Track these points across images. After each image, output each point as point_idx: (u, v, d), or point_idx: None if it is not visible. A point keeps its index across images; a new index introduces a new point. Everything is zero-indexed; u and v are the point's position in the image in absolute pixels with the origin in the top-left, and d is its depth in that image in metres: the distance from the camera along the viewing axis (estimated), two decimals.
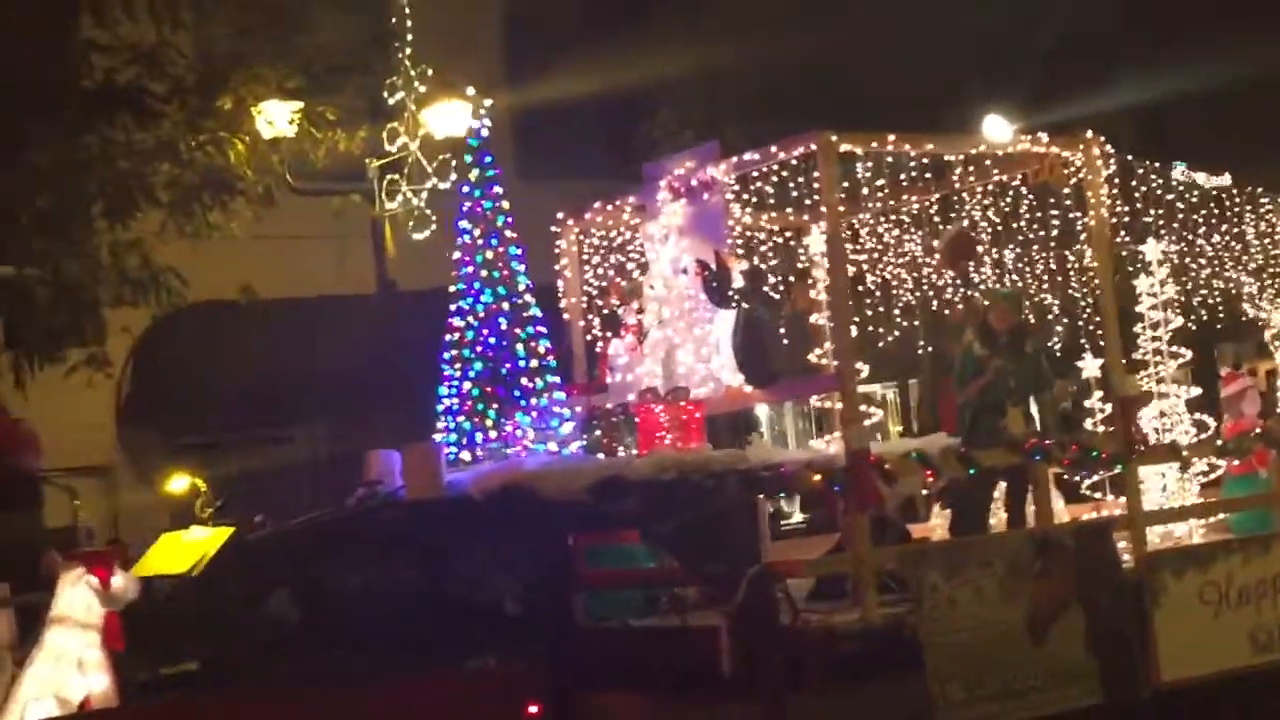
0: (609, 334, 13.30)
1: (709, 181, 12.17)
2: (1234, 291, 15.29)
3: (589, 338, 13.62)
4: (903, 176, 12.67)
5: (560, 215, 13.86)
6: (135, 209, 15.90)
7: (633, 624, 10.93)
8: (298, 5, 17.11)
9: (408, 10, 15.87)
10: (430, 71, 15.22)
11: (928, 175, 12.80)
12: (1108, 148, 12.65)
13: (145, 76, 16.23)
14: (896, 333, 14.25)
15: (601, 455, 11.17)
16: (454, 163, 14.28)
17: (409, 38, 15.36)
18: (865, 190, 12.49)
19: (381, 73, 16.09)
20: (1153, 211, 13.69)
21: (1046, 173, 12.55)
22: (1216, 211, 14.37)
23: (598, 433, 11.17)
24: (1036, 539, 11.42)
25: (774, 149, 11.55)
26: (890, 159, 12.27)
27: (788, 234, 13.79)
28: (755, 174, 12.11)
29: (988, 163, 12.98)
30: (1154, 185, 13.73)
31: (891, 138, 11.56)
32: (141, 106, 16.04)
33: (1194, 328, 14.80)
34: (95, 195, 15.65)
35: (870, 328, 13.86)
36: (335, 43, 17.55)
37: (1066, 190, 12.84)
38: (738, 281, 12.18)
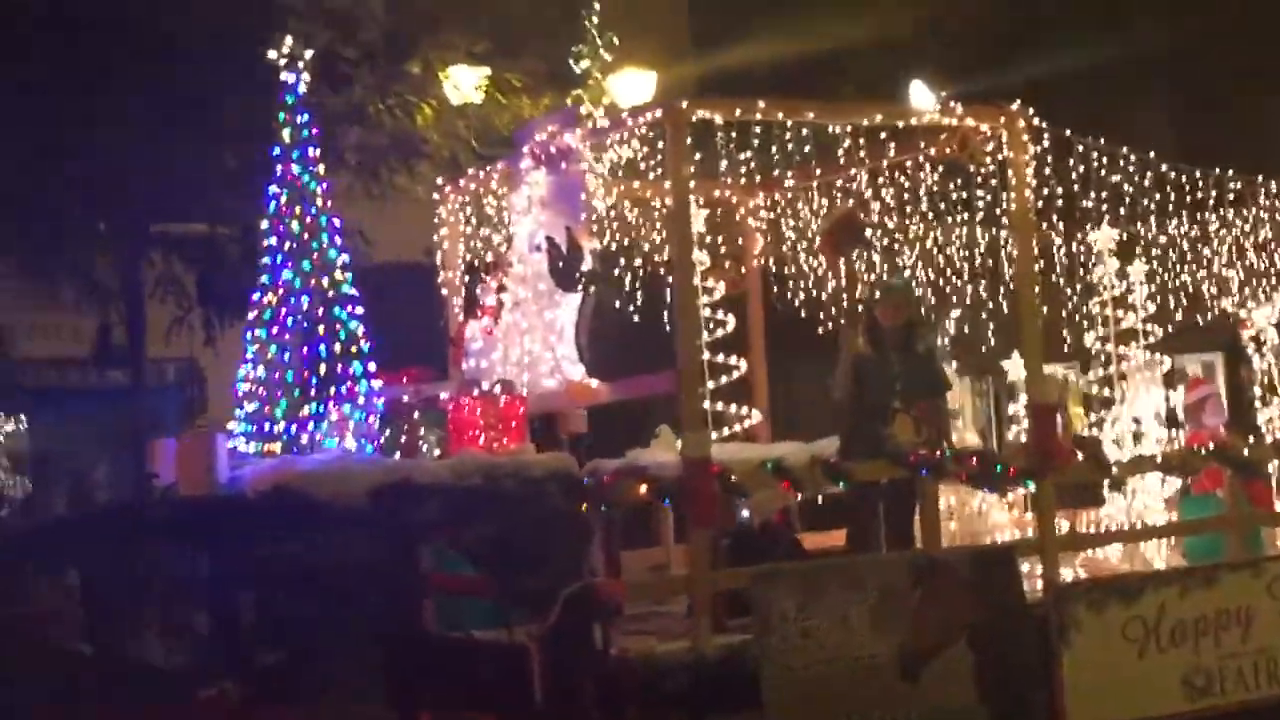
0: (468, 315, 12.18)
1: (566, 149, 11.01)
2: (1206, 287, 13.93)
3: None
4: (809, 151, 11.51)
5: (439, 181, 13.17)
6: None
7: (476, 636, 9.79)
8: None
9: None
10: (616, 40, 14.88)
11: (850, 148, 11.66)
12: (1036, 120, 11.31)
13: (338, 41, 16.65)
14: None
15: (398, 455, 9.98)
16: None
17: (596, 5, 15.00)
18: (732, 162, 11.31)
19: (567, 39, 15.67)
20: (1093, 194, 12.31)
21: (960, 148, 11.26)
22: (1174, 197, 12.95)
23: (391, 430, 9.95)
24: (918, 563, 10.13)
25: (625, 116, 10.43)
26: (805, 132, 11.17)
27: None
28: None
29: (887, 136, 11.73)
30: (1097, 165, 12.34)
31: (761, 104, 10.35)
32: (333, 70, 16.36)
33: (1149, 325, 13.46)
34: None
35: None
36: (522, 8, 18.03)
37: (985, 169, 11.53)
38: (588, 263, 10.96)
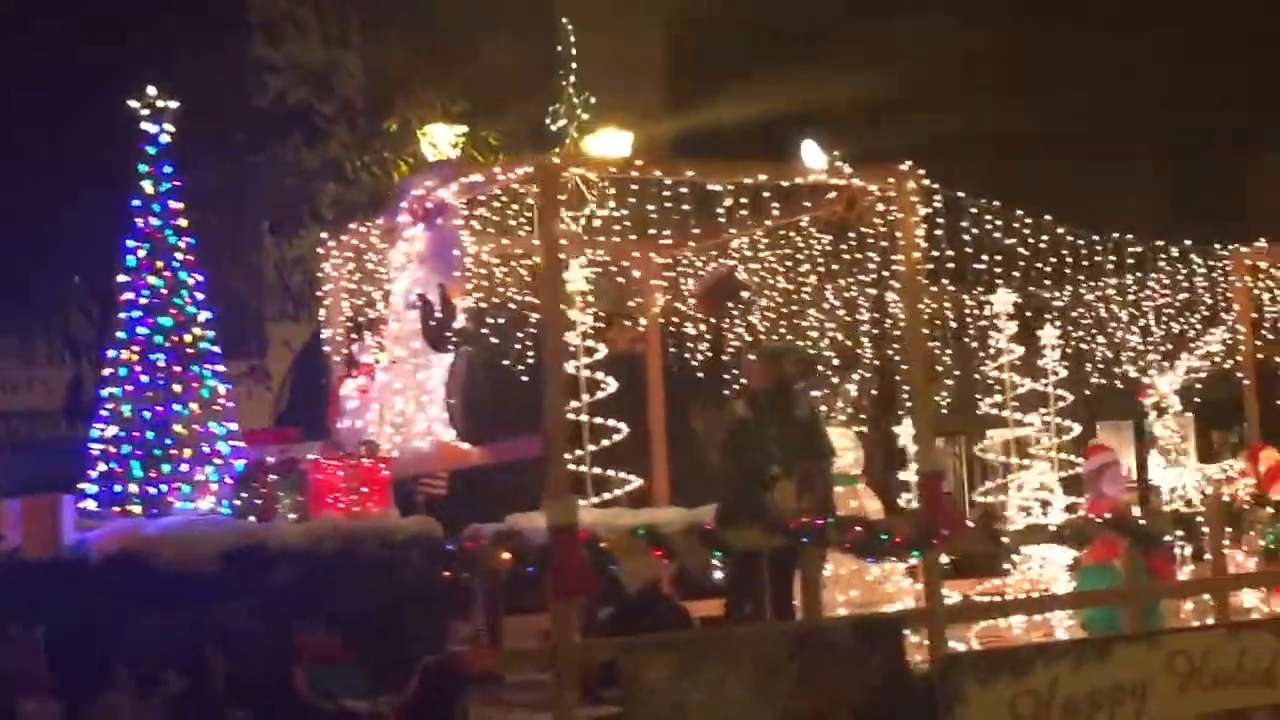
0: (345, 374, 11.90)
1: (442, 205, 10.78)
2: (1105, 353, 13.81)
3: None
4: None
5: (324, 236, 12.95)
6: (300, 226, 17.01)
7: (348, 704, 9.42)
8: (464, 30, 18.03)
9: (573, 39, 16.52)
10: (593, 99, 15.75)
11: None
12: (925, 181, 11.15)
13: (315, 97, 17.37)
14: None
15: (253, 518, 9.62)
16: (612, 190, 13.93)
17: (573, 65, 15.99)
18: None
19: (544, 100, 16.69)
20: (985, 258, 12.16)
21: (847, 208, 11.08)
22: (1070, 261, 12.81)
23: (246, 493, 9.61)
24: (797, 635, 9.87)
25: (496, 171, 10.22)
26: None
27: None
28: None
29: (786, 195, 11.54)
30: (991, 227, 12.20)
31: (638, 163, 10.27)
32: (311, 126, 17.12)
33: (1058, 391, 13.32)
34: (262, 212, 16.84)
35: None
36: (500, 68, 18.18)
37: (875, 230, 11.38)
38: (460, 321, 10.69)
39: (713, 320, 12.15)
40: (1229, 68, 23.98)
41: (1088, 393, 14.85)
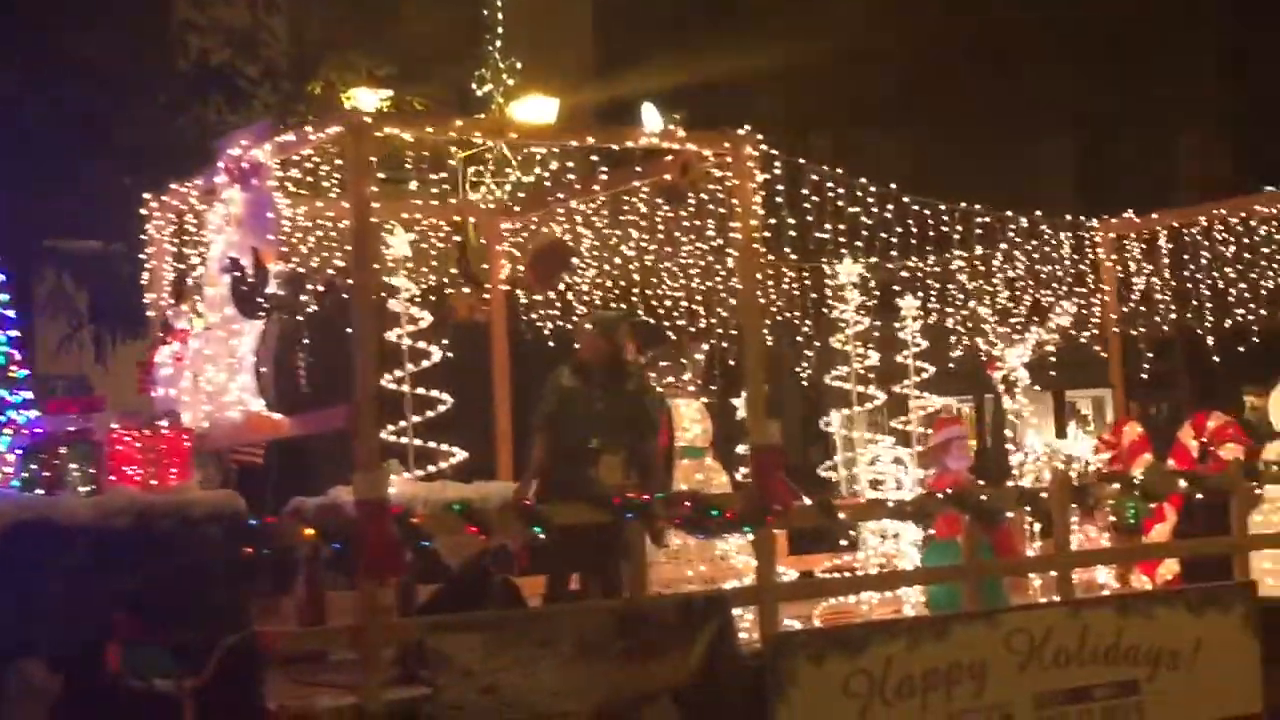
0: (160, 340, 11.53)
1: (257, 165, 10.41)
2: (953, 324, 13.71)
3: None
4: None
5: (147, 196, 12.46)
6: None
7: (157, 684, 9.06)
8: None
9: (499, 3, 16.51)
10: (519, 65, 15.76)
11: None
12: (763, 147, 10.94)
13: (239, 59, 17.26)
14: None
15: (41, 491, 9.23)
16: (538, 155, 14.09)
17: (499, 31, 15.92)
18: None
19: (471, 65, 16.72)
20: (828, 226, 11.97)
21: (681, 174, 10.83)
22: (916, 230, 12.68)
23: (35, 465, 9.21)
24: (619, 614, 9.64)
25: (308, 129, 9.91)
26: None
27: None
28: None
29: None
30: (835, 195, 12.03)
31: (458, 123, 9.94)
32: (234, 88, 17.05)
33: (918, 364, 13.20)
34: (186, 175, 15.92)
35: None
36: (426, 33, 18.48)
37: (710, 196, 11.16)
38: (272, 287, 10.35)
39: (540, 290, 11.88)
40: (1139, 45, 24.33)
41: (952, 366, 14.79)
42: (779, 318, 13.76)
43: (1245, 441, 15.35)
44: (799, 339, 14.06)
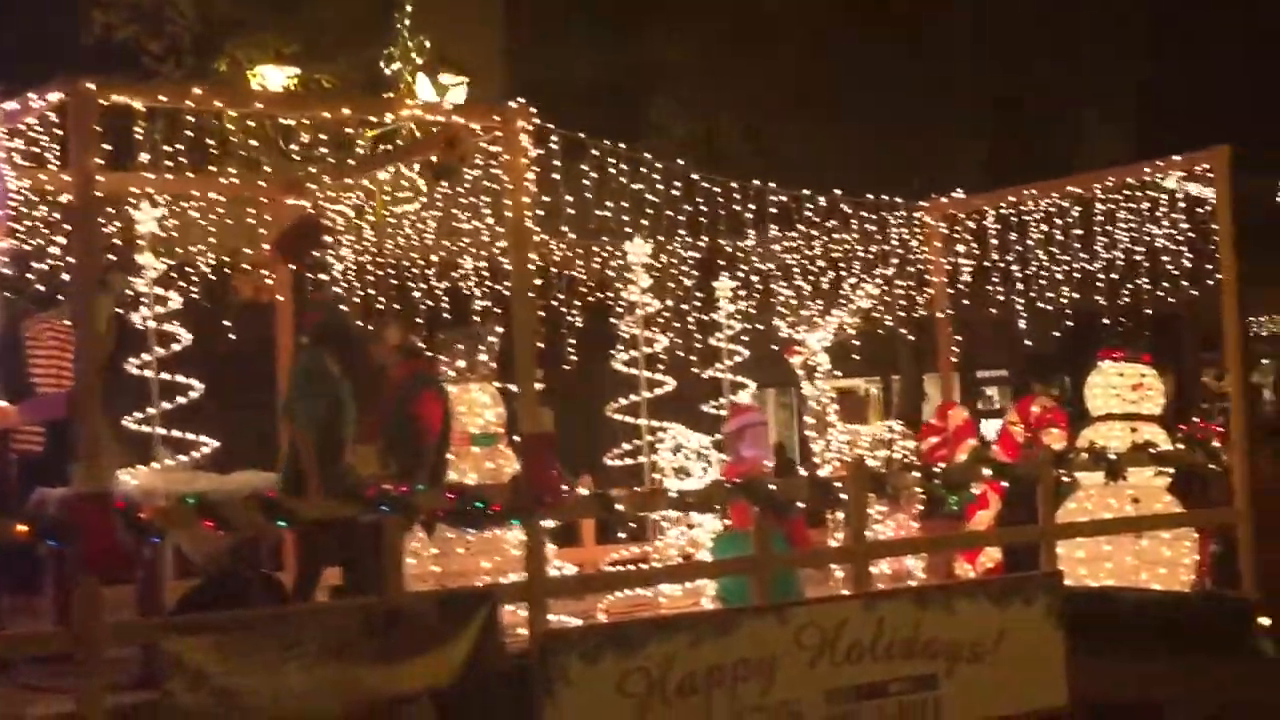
0: None
1: None
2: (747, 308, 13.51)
3: None
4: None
5: None
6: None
7: None
8: None
9: None
10: (428, 44, 15.31)
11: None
12: (537, 120, 10.62)
13: (144, 35, 17.28)
14: None
15: None
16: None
17: (408, 9, 15.49)
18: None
19: (379, 44, 16.28)
20: (611, 204, 11.69)
21: (448, 149, 10.49)
22: (706, 208, 12.43)
23: None
24: (373, 613, 9.27)
25: (31, 97, 9.42)
26: None
27: None
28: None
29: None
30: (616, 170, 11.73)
31: (196, 91, 9.46)
32: (138, 65, 17.22)
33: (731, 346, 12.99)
34: None
35: None
36: (335, 10, 18.42)
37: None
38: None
39: (290, 266, 11.47)
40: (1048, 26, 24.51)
41: (775, 347, 14.62)
42: (557, 300, 13.44)
43: (1066, 427, 15.34)
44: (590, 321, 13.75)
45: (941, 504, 15.28)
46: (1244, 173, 14.21)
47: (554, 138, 11.38)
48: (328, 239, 11.65)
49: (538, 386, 10.35)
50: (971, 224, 15.64)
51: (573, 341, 13.43)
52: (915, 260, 15.76)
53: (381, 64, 15.68)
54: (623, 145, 11.53)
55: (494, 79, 19.20)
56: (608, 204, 11.72)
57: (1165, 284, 14.77)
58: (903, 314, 15.92)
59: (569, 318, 13.57)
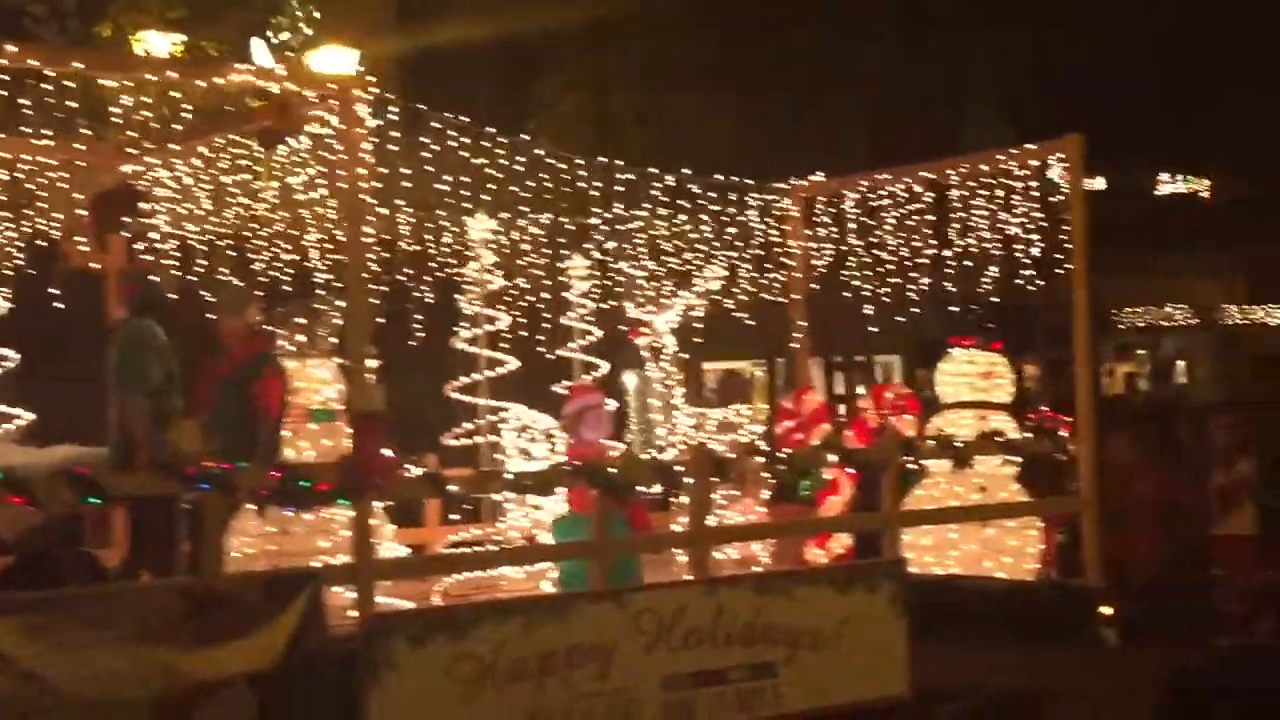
0: None
1: None
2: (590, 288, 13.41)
3: None
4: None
5: None
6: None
7: None
8: None
9: None
10: (317, 14, 15.41)
11: None
12: (375, 90, 10.42)
13: None
14: None
15: None
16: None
17: None
18: None
19: (267, 11, 16.36)
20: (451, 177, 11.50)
21: (279, 118, 10.25)
22: (550, 185, 12.28)
23: None
24: (193, 594, 9.02)
25: None
26: None
27: None
28: None
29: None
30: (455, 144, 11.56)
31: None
32: (19, 28, 16.84)
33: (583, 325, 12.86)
34: None
35: None
36: None
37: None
38: None
39: (101, 233, 11.20)
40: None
41: (623, 327, 14.53)
42: (405, 275, 13.24)
43: (918, 413, 15.38)
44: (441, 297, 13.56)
45: (792, 489, 15.28)
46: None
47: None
48: (144, 206, 11.36)
49: (373, 363, 10.16)
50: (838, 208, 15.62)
51: (419, 318, 13.19)
52: (775, 243, 15.73)
53: (269, 32, 15.55)
54: (492, 129, 11.36)
55: (385, 52, 18.89)
56: (446, 179, 11.52)
57: (1029, 273, 14.78)
58: (753, 298, 15.85)
59: (417, 294, 13.34)
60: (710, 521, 12.92)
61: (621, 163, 12.61)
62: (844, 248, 15.58)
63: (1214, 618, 16.53)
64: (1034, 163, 14.48)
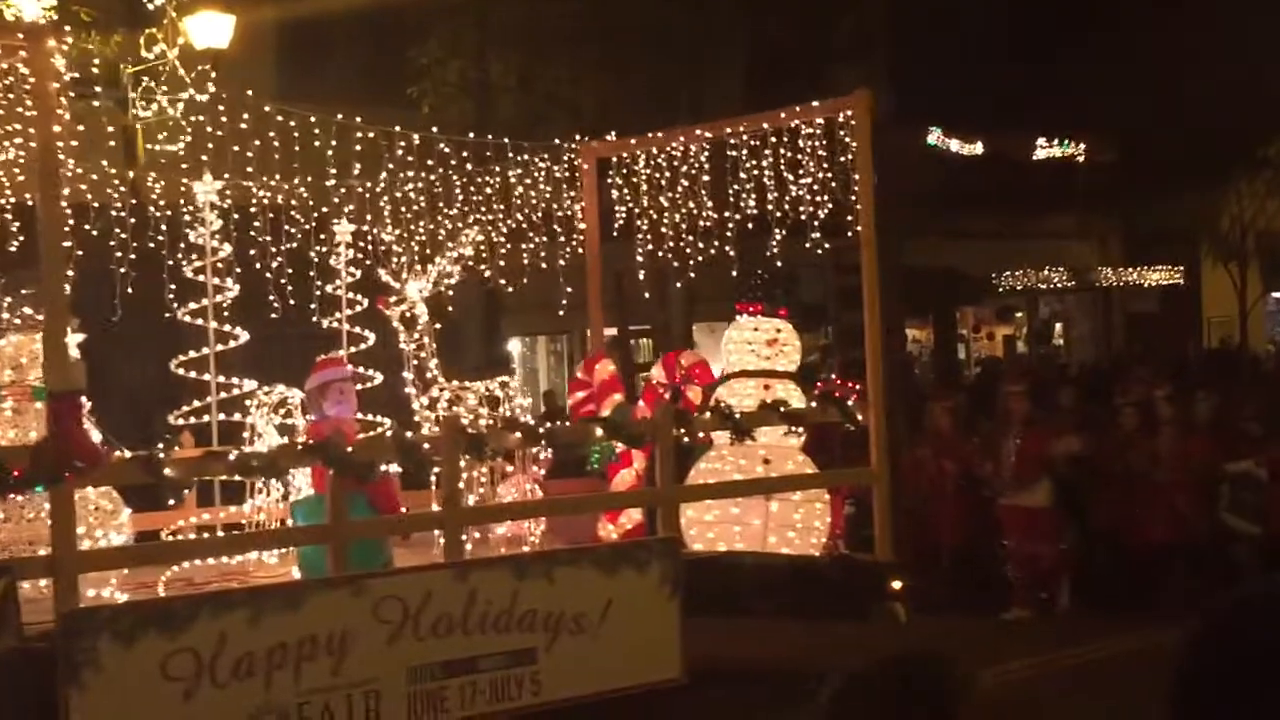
0: None
1: None
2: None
3: None
4: None
5: None
6: None
7: None
8: None
9: None
10: None
11: None
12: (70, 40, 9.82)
13: None
14: None
15: None
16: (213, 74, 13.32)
17: None
18: None
19: None
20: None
21: None
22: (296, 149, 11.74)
23: None
24: None
25: None
26: None
27: None
28: None
29: None
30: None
31: None
32: None
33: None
34: None
35: None
36: None
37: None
38: None
39: None
40: None
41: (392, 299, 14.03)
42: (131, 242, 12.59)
43: (709, 381, 15.00)
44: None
45: (579, 463, 14.88)
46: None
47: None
48: None
49: (78, 336, 9.54)
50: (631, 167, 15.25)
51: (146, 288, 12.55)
52: (566, 204, 15.32)
53: None
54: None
55: (263, 17, 18.75)
56: (182, 139, 10.93)
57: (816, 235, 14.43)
58: (541, 263, 15.43)
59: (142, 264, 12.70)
60: (471, 501, 12.49)
61: (360, 119, 12.08)
62: (636, 210, 15.19)
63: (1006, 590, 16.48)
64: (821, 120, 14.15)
